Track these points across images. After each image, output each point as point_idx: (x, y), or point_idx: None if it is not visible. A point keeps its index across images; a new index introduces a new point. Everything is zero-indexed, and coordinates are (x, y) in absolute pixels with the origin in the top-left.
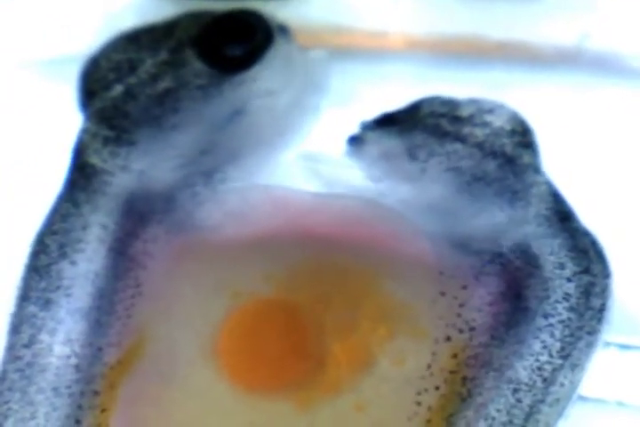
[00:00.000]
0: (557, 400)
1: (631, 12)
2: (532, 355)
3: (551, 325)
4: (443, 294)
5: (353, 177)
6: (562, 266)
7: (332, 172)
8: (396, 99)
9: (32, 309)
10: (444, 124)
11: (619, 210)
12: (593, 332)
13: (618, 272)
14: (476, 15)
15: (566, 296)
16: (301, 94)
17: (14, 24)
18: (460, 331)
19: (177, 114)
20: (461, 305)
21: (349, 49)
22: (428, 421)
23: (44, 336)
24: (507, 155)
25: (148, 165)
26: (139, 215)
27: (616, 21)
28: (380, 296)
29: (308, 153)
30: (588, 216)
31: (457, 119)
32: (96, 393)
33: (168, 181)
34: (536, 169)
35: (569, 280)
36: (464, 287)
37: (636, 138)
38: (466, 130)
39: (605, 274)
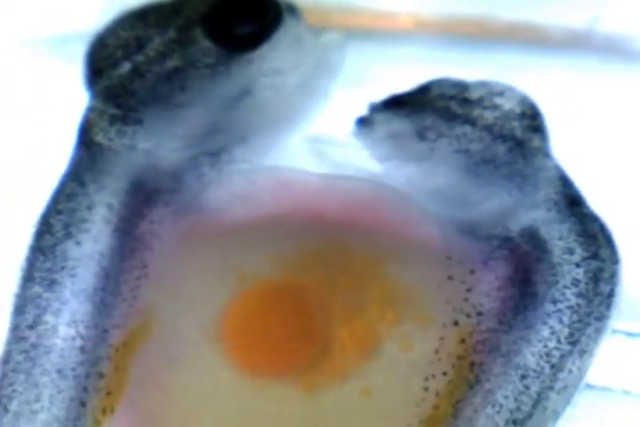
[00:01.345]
0: (565, 387)
1: None
2: (541, 341)
3: (559, 310)
4: (450, 278)
5: (360, 159)
6: (570, 251)
7: (339, 154)
8: (405, 80)
9: (37, 289)
10: (454, 106)
11: (627, 195)
12: (601, 318)
13: (626, 258)
14: None
15: (575, 282)
16: (311, 75)
17: (21, 1)
18: (468, 316)
19: (184, 93)
20: (469, 290)
21: (358, 29)
22: (436, 406)
23: (48, 317)
24: (516, 138)
25: (154, 144)
26: (145, 195)
27: (626, 4)
28: (386, 280)
29: (315, 135)
30: (596, 201)
31: (466, 101)
32: (101, 376)
33: (175, 161)
34: (545, 153)
35: (577, 265)
36: (472, 272)
37: None
38: (475, 112)
39: (614, 259)
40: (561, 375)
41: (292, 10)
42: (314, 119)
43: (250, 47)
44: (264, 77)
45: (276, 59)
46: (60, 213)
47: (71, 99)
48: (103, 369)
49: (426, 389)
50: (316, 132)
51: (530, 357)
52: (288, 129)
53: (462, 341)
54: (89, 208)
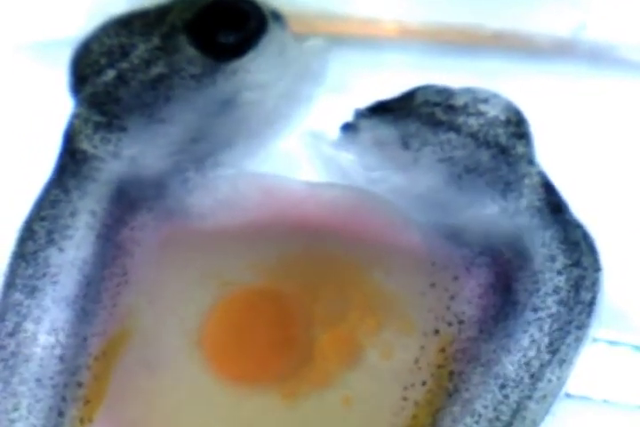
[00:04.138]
0: (544, 397)
1: (627, 4)
2: (520, 350)
3: (540, 318)
4: (433, 285)
5: (348, 163)
6: (552, 258)
7: (333, 152)
8: (390, 87)
9: (18, 296)
10: (439, 113)
11: (611, 203)
12: (582, 326)
13: (607, 266)
14: (471, 4)
15: (556, 289)
16: (295, 83)
17: (5, 7)
18: (449, 324)
19: (169, 100)
20: (451, 297)
21: (343, 36)
22: (415, 416)
23: (28, 325)
24: (501, 145)
25: (138, 151)
26: (128, 202)
27: (611, 12)
28: (368, 287)
29: (312, 131)
30: (580, 208)
31: (451, 108)
32: (80, 385)
33: (159, 168)
34: (529, 160)
35: (559, 273)
36: (455, 278)
37: (630, 129)
38: (460, 119)
39: (596, 267)
40: (540, 385)
41: (277, 17)
42: (298, 125)
43: (235, 55)
44: (249, 85)
45: (262, 67)
46: (43, 219)
47: (56, 105)
48: (82, 378)
49: (405, 398)
50: (313, 128)
51: (509, 366)
52: (272, 135)
53: (442, 350)
54: (72, 215)
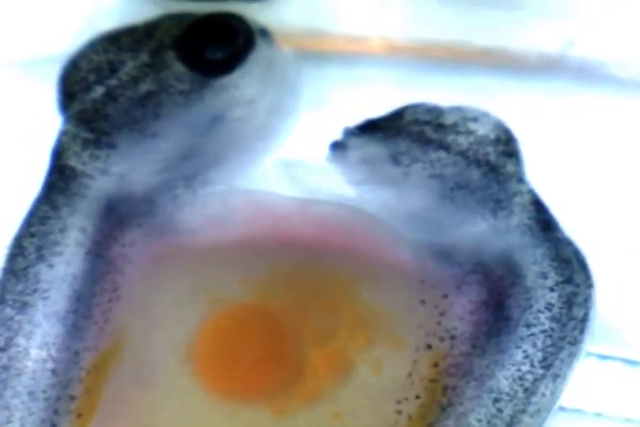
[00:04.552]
0: (538, 411)
1: (614, 20)
2: (514, 365)
3: (533, 334)
4: (423, 302)
5: (333, 183)
6: (544, 275)
7: (312, 179)
8: (377, 104)
9: (8, 312)
10: (428, 131)
11: (601, 220)
12: (575, 342)
13: (599, 283)
14: (459, 21)
15: (548, 306)
16: (280, 97)
17: None
18: (441, 339)
19: (158, 117)
20: (442, 314)
21: (330, 53)
22: None
23: (20, 340)
24: (490, 163)
25: (127, 168)
26: (118, 219)
27: (599, 29)
28: (359, 304)
29: (287, 160)
30: (570, 226)
31: (441, 127)
32: (72, 398)
33: (148, 185)
34: (519, 178)
35: (551, 290)
36: (445, 296)
37: (619, 146)
38: (450, 138)
39: (588, 284)
40: (534, 399)
41: (265, 34)
42: (285, 141)
43: (223, 71)
44: (238, 102)
45: (250, 83)
46: (32, 235)
47: (45, 122)
48: (74, 392)
49: (398, 412)
50: (287, 156)
51: (503, 380)
52: (261, 151)
53: (435, 364)
54: (62, 231)
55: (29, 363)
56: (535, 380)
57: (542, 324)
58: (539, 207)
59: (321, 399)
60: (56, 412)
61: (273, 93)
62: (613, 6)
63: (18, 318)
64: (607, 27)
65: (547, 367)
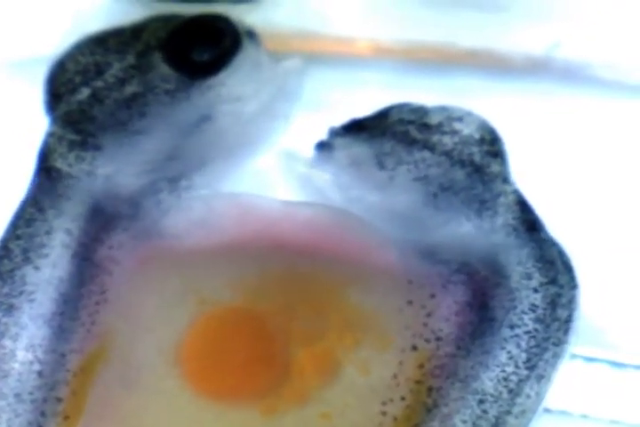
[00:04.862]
0: (523, 412)
1: (600, 22)
2: (498, 366)
3: (517, 335)
4: (410, 302)
5: (323, 182)
6: (529, 276)
7: (308, 171)
8: (364, 105)
9: None
10: (413, 131)
11: (586, 220)
12: (559, 343)
13: (584, 284)
14: (445, 23)
15: (532, 307)
16: (271, 101)
17: None
18: (427, 341)
19: (144, 119)
20: (428, 315)
21: (317, 55)
22: None
23: (6, 342)
24: (475, 163)
25: (113, 170)
26: (104, 221)
27: (585, 31)
28: (346, 305)
29: (287, 150)
30: (555, 226)
31: (426, 127)
32: (59, 400)
33: (133, 187)
34: (504, 178)
35: (535, 291)
36: (432, 296)
37: (604, 147)
38: (434, 138)
39: (572, 285)
40: (519, 400)
41: (252, 35)
42: (274, 144)
43: (209, 73)
44: (224, 103)
45: (236, 84)
46: (18, 238)
47: (31, 124)
48: (61, 394)
49: (384, 413)
50: (287, 148)
51: (488, 382)
52: (248, 154)
53: (421, 366)
54: (48, 233)
55: (16, 365)
56: (520, 381)
57: (526, 325)
58: (523, 208)
59: (309, 400)
60: (43, 414)
61: (262, 96)
62: (599, 8)
63: (4, 320)
64: (593, 28)
65: (531, 368)
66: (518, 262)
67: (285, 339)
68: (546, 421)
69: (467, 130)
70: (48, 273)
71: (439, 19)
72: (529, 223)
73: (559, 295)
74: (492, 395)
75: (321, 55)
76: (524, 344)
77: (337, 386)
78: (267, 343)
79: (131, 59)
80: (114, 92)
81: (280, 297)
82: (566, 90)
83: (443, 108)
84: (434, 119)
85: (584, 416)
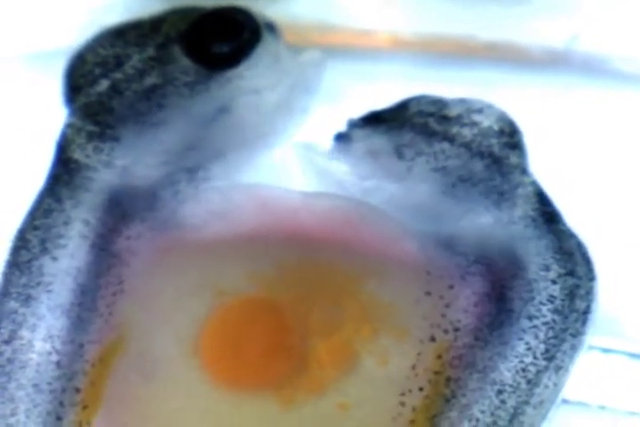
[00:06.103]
0: (541, 402)
1: (619, 15)
2: (517, 356)
3: (535, 326)
4: (428, 293)
5: (341, 173)
6: (547, 268)
7: (326, 163)
8: (383, 97)
9: (12, 304)
10: (432, 123)
11: (604, 212)
12: (577, 334)
13: (602, 275)
14: (464, 15)
15: (551, 298)
16: (290, 93)
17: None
18: (445, 331)
19: (162, 110)
20: (447, 306)
21: (336, 47)
22: (412, 421)
23: (24, 332)
24: (494, 155)
25: (131, 161)
26: (122, 212)
27: (604, 24)
28: (364, 296)
29: (305, 142)
30: (573, 218)
31: (445, 119)
32: (77, 390)
33: (151, 178)
34: (523, 170)
35: (554, 282)
36: (450, 287)
37: (623, 140)
38: (454, 129)
39: (590, 277)
40: (537, 391)
41: (271, 28)
42: (292, 136)
43: (228, 65)
44: (243, 95)
45: (255, 77)
46: (36, 228)
47: (50, 115)
48: (79, 384)
49: (402, 404)
50: (306, 140)
51: (506, 372)
52: (266, 146)
53: (439, 356)
54: (65, 224)
55: (34, 355)
56: (538, 372)
57: (544, 316)
58: (542, 199)
59: (327, 391)
60: (61, 404)
61: (280, 89)
62: (618, 1)
63: (22, 310)
64: (612, 21)
65: (549, 359)
66: (536, 254)
67: (303, 330)
68: (563, 411)
69: (486, 122)
70: (66, 264)
71: (458, 11)
72: (547, 215)
73: (577, 287)
74: (510, 385)
75: (340, 48)
76: (542, 335)
77: (355, 377)
78: (284, 334)
79: (150, 51)
80: (133, 83)
81: (298, 288)
82: (585, 83)
83: (462, 101)
84: (453, 111)
85: (601, 407)
